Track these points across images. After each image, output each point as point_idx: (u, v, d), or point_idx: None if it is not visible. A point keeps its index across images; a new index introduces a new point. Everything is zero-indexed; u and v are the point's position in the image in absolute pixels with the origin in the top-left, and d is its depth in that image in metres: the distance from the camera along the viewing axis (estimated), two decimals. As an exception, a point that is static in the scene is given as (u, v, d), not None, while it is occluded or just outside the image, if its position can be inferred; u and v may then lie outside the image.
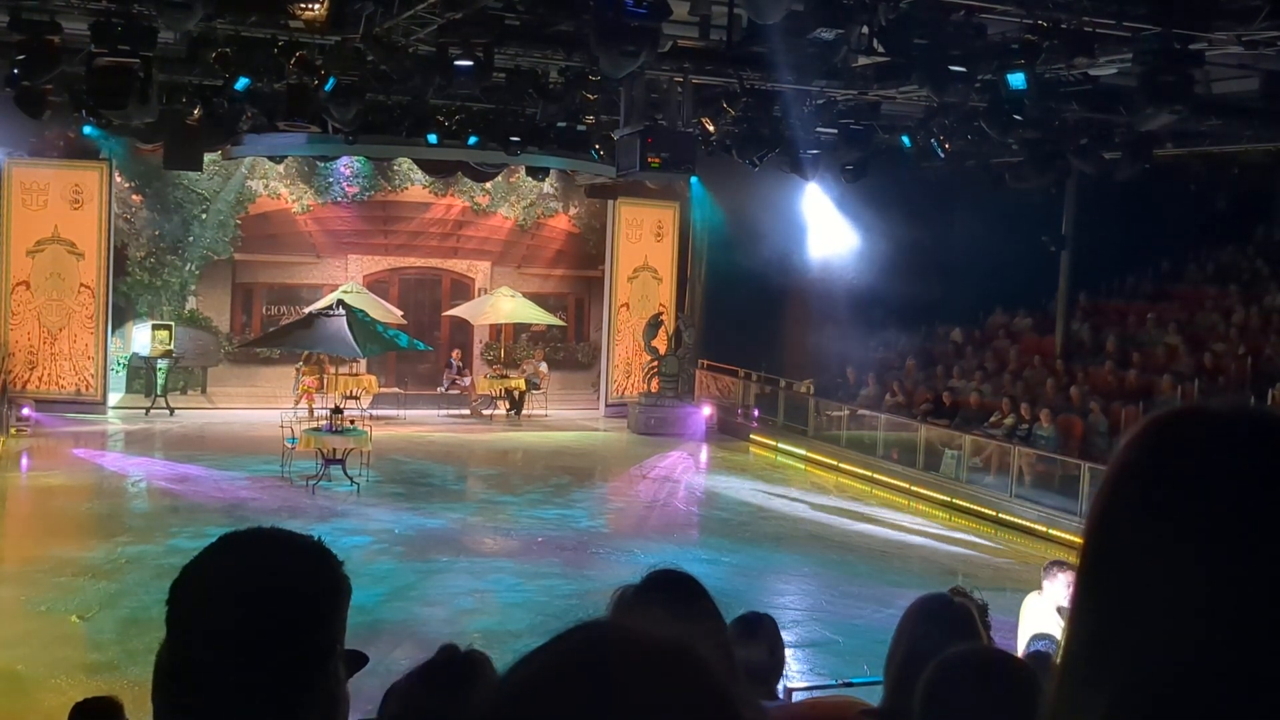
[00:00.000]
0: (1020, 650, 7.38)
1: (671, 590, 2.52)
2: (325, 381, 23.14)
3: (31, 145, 22.28)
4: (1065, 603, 7.28)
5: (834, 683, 8.51)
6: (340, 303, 19.64)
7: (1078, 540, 1.07)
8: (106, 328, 23.87)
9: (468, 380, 27.11)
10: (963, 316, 25.62)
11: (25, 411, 21.54)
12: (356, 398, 23.86)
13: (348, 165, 26.25)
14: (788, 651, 4.75)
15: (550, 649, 0.96)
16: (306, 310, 22.49)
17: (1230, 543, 0.95)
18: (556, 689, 0.93)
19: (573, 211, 28.48)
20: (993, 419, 20.43)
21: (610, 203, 27.09)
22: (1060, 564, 8.02)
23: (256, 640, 1.56)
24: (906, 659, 2.80)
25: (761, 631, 3.89)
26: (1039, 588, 8.26)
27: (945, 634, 2.80)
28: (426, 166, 24.90)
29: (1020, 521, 17.49)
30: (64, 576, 12.95)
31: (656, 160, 14.01)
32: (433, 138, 19.79)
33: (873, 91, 15.57)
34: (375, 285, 26.70)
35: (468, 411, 26.47)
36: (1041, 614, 7.58)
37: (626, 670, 0.94)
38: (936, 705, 2.43)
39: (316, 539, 1.70)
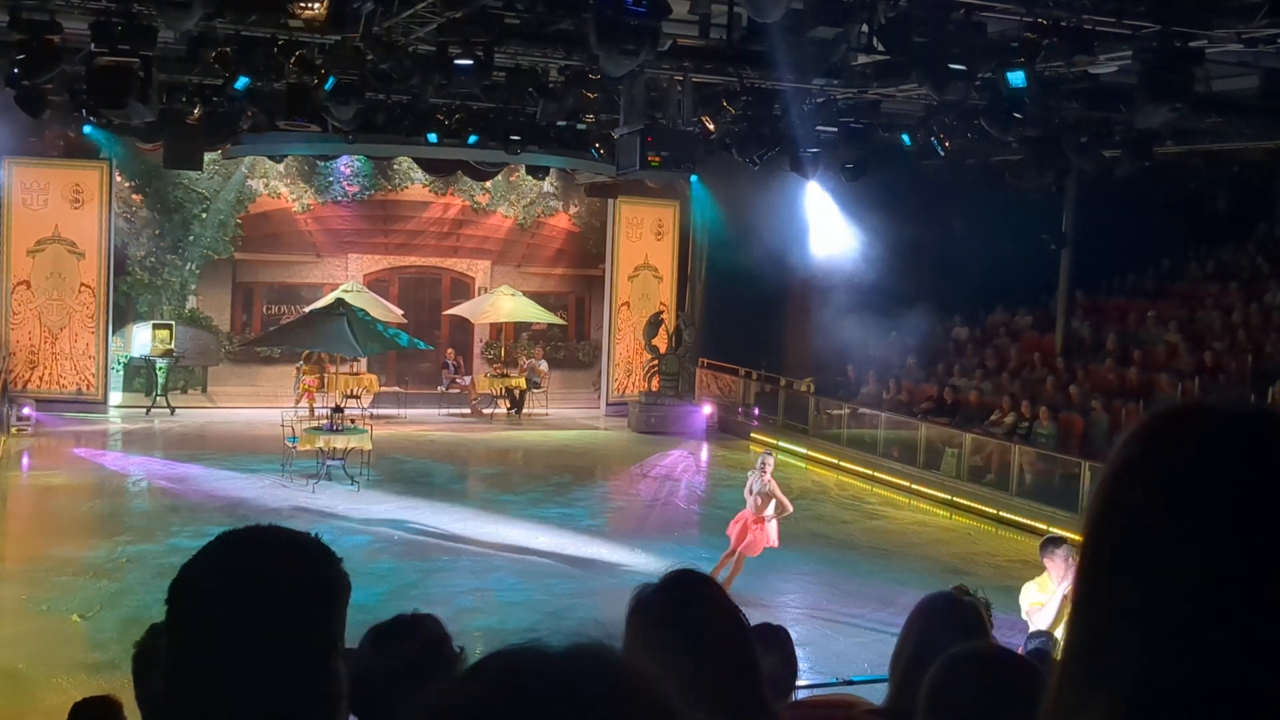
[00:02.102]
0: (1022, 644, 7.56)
1: (689, 593, 2.51)
2: (326, 380, 23.13)
3: (32, 145, 22.29)
4: (1067, 581, 7.60)
5: (834, 681, 8.51)
6: (340, 302, 19.66)
7: (1078, 538, 1.07)
8: (107, 327, 23.87)
9: (466, 379, 27.11)
10: (963, 314, 25.62)
11: (26, 411, 21.54)
12: (357, 397, 23.87)
13: (348, 164, 26.25)
14: (788, 650, 4.73)
15: (475, 672, 0.97)
16: (307, 309, 22.51)
17: (1230, 540, 0.95)
18: (478, 711, 0.94)
19: (573, 210, 28.47)
20: (993, 417, 20.43)
21: (610, 201, 27.09)
22: (1054, 540, 8.28)
23: (256, 639, 1.56)
24: (913, 658, 2.79)
25: (776, 643, 3.88)
26: (1027, 581, 8.38)
27: (952, 633, 2.79)
28: (426, 165, 24.91)
29: (1021, 520, 17.48)
30: (65, 576, 12.97)
31: (657, 159, 14.01)
32: (433, 137, 19.78)
33: (873, 90, 15.57)
34: (375, 284, 26.69)
35: (468, 410, 26.48)
36: (1046, 598, 7.96)
37: (549, 691, 0.94)
38: (940, 704, 2.43)
39: (315, 536, 1.70)
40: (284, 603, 1.60)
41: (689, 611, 2.41)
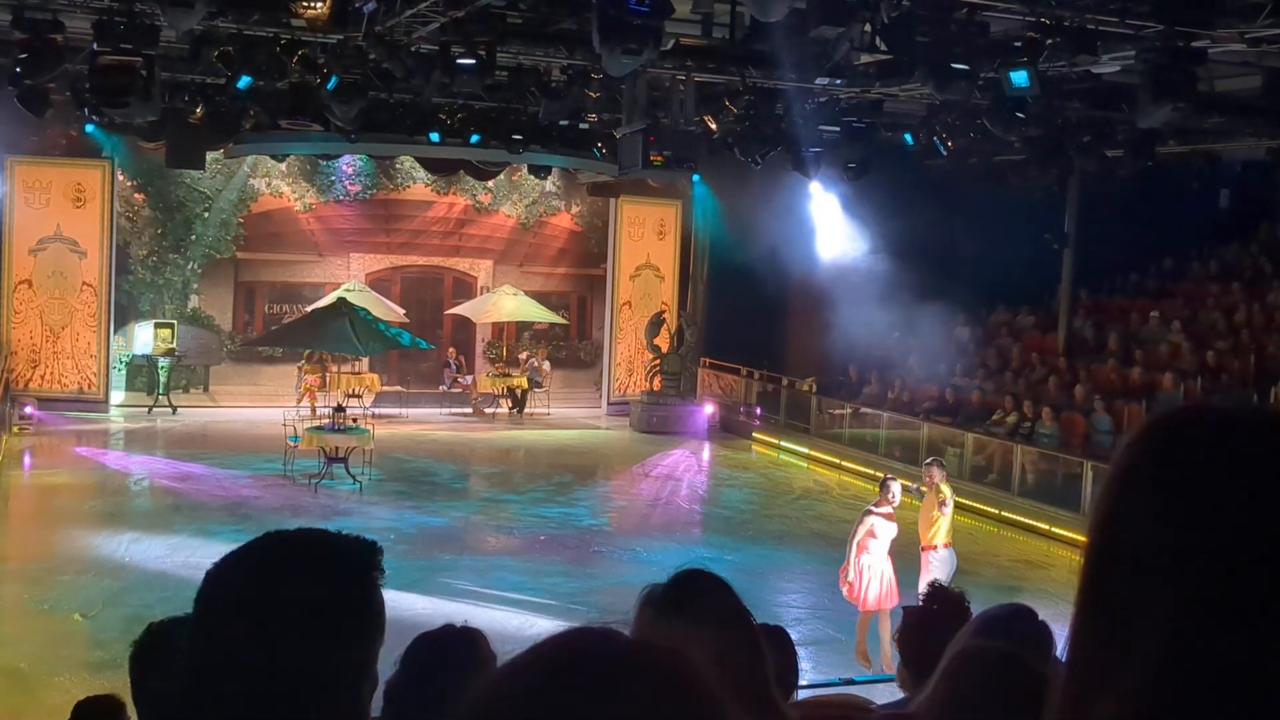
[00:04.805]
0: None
1: (698, 592, 2.51)
2: (327, 380, 23.15)
3: (34, 144, 22.29)
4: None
5: (836, 681, 8.52)
6: (342, 301, 19.67)
7: (1080, 539, 1.07)
8: (109, 326, 23.88)
9: (468, 379, 27.12)
10: (966, 314, 25.60)
11: (28, 410, 21.55)
12: (359, 396, 23.90)
13: (350, 164, 26.26)
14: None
15: (539, 651, 0.97)
16: (309, 309, 22.52)
17: (1235, 541, 0.95)
18: (543, 689, 0.94)
19: (575, 210, 28.48)
20: (995, 417, 20.42)
21: (612, 201, 27.10)
22: (935, 461, 12.14)
23: (279, 651, 1.49)
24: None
25: (777, 643, 3.87)
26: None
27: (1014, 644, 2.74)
28: (429, 165, 24.91)
29: (1023, 520, 17.47)
30: (67, 574, 12.97)
31: (659, 158, 14.02)
32: (435, 136, 19.78)
33: (875, 89, 15.55)
34: (377, 284, 26.70)
35: (470, 410, 26.48)
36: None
37: (615, 672, 0.95)
38: (944, 700, 2.42)
39: (372, 544, 1.60)
40: (314, 619, 1.50)
41: (697, 610, 2.41)
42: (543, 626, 11.36)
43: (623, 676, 0.94)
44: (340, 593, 1.54)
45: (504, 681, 0.96)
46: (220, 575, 1.56)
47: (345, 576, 1.55)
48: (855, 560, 10.82)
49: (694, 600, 2.44)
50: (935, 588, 4.63)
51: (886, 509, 10.88)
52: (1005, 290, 25.05)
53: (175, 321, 25.19)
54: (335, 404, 18.97)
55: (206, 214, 25.75)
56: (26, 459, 19.42)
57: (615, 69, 11.35)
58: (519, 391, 26.62)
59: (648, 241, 27.54)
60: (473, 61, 12.45)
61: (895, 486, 11.01)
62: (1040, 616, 3.19)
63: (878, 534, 10.78)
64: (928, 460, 12.60)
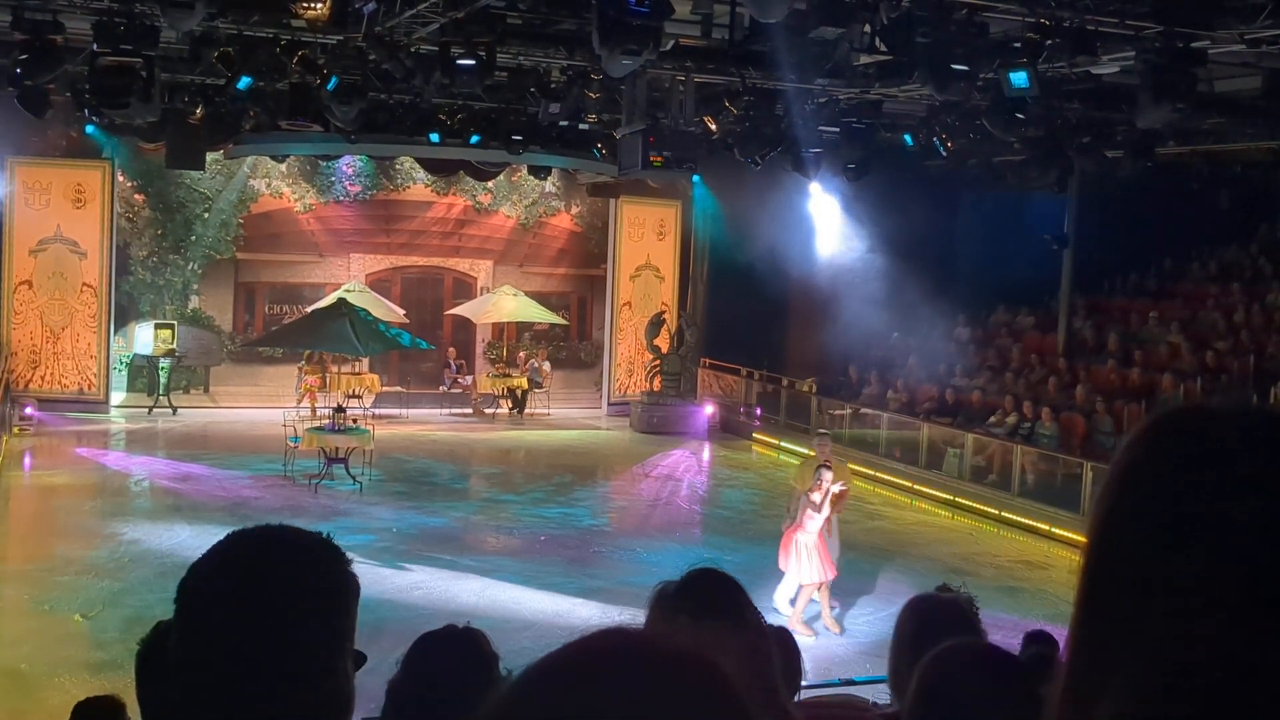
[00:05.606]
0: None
1: (711, 591, 2.51)
2: (328, 380, 23.14)
3: (34, 144, 22.28)
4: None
5: (836, 682, 8.51)
6: (342, 301, 19.67)
7: (1080, 539, 1.07)
8: (109, 327, 23.88)
9: (468, 379, 27.13)
10: (966, 314, 25.62)
11: (28, 411, 21.55)
12: (359, 396, 23.89)
13: (350, 164, 26.26)
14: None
15: (571, 650, 0.97)
16: (309, 309, 22.52)
17: (1235, 541, 0.95)
18: (574, 690, 0.94)
19: (575, 210, 28.48)
20: (995, 417, 20.42)
21: (612, 201, 27.11)
22: (828, 434, 13.63)
23: (265, 639, 1.56)
24: (912, 661, 2.78)
25: (780, 644, 3.88)
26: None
27: (939, 630, 2.79)
28: (429, 165, 24.93)
29: (1023, 520, 17.47)
30: (67, 575, 12.97)
31: (659, 159, 14.03)
32: (435, 137, 19.78)
33: (875, 90, 15.56)
34: (377, 284, 26.70)
35: (470, 410, 26.49)
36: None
37: (646, 676, 0.94)
38: (929, 699, 2.42)
39: (326, 536, 1.69)
40: (294, 602, 1.59)
41: (710, 609, 2.41)
42: (544, 627, 11.37)
43: (654, 678, 0.94)
44: (310, 573, 1.64)
45: (532, 682, 0.96)
46: (196, 575, 1.64)
47: (310, 556, 1.66)
48: (793, 540, 12.04)
49: (706, 599, 2.45)
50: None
51: (818, 495, 11.95)
52: (1005, 290, 25.06)
53: (175, 322, 25.19)
54: (335, 404, 18.97)
55: (206, 215, 25.75)
56: (27, 459, 19.42)
57: (615, 70, 11.36)
58: (519, 392, 26.63)
59: (648, 242, 27.55)
60: (473, 62, 12.46)
61: (826, 474, 12.05)
62: (952, 592, 3.27)
63: (815, 515, 11.96)
64: (821, 431, 13.95)
